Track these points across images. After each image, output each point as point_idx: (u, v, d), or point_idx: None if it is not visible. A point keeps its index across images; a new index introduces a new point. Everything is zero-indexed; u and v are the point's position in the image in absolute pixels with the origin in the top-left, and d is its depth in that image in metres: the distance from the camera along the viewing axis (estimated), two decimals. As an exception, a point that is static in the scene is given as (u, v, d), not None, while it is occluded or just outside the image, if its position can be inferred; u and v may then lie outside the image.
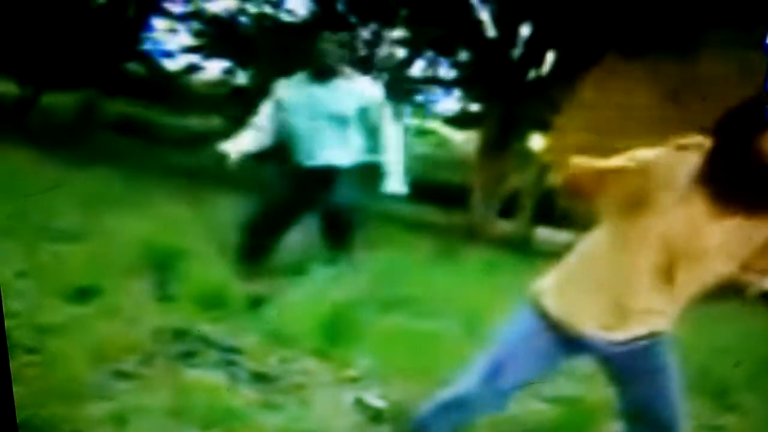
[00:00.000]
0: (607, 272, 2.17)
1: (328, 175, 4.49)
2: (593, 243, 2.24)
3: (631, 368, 2.24)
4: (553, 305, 2.24)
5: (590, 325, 2.19)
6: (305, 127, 4.50)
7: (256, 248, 4.53)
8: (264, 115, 4.62)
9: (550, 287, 2.28)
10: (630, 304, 2.15)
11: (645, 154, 2.02)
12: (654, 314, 2.17)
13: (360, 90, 4.55)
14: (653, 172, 2.01)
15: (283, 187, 4.60)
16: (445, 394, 2.30)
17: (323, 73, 4.51)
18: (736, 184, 1.98)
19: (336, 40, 4.50)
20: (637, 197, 2.04)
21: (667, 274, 2.10)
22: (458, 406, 2.27)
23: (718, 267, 2.09)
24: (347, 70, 4.57)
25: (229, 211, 5.90)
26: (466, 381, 2.30)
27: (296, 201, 4.53)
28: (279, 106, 4.59)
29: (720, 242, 2.04)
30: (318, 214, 4.58)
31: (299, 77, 4.59)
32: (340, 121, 4.48)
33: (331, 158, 4.51)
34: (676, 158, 2.01)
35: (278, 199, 4.58)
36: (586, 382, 3.31)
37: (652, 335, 2.20)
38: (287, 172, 4.59)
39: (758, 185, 1.96)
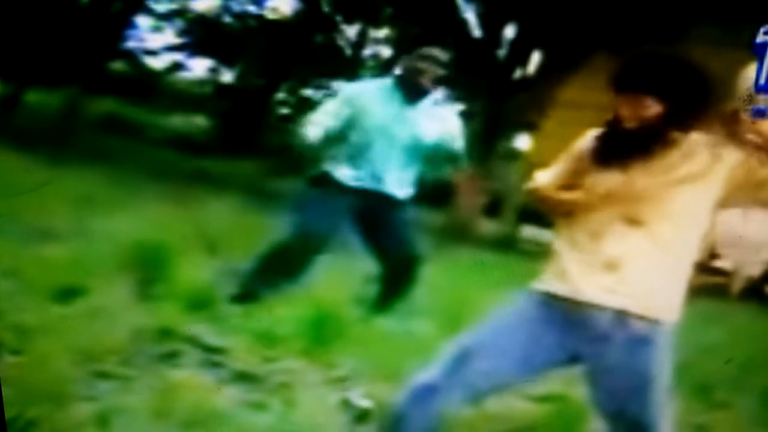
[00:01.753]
0: (584, 234, 2.24)
1: (385, 203, 4.13)
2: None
3: (619, 363, 2.21)
4: (555, 283, 2.26)
5: (589, 287, 2.20)
6: (378, 147, 4.04)
7: (275, 277, 4.10)
8: (329, 113, 4.08)
9: (551, 272, 2.29)
10: (612, 251, 2.19)
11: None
12: (642, 265, 2.18)
13: (444, 117, 4.24)
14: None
15: (327, 211, 4.08)
16: (416, 381, 2.29)
17: (416, 93, 4.10)
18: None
19: (433, 59, 4.09)
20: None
21: (630, 218, 2.19)
22: (427, 395, 2.24)
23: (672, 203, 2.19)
24: (436, 92, 4.24)
25: (215, 211, 5.89)
26: (433, 369, 2.28)
27: (334, 224, 4.10)
28: (352, 112, 4.06)
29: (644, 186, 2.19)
30: (379, 258, 4.23)
31: (384, 89, 4.13)
32: (416, 146, 4.12)
33: (391, 187, 4.12)
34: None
35: (316, 224, 4.08)
36: (570, 381, 3.32)
37: (647, 320, 2.19)
38: (330, 192, 4.10)
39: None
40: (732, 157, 2.16)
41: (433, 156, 4.21)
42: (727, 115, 2.18)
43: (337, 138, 4.06)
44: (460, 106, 15.40)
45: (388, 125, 4.05)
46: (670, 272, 2.21)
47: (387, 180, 4.10)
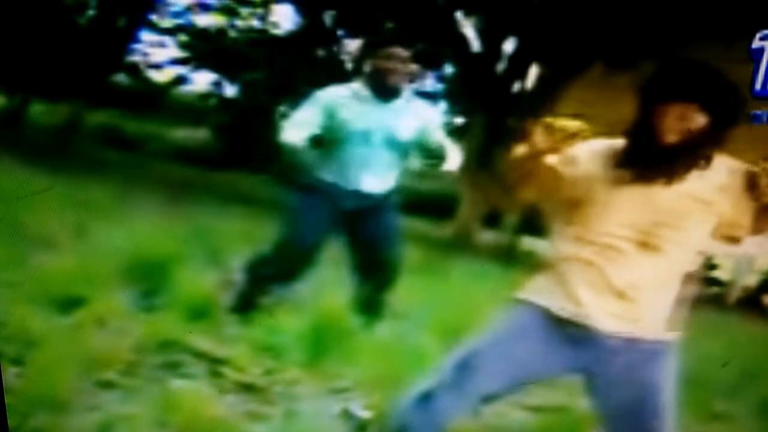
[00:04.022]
0: (596, 257, 2.17)
1: (364, 202, 4.12)
2: (565, 241, 2.26)
3: (625, 378, 2.19)
4: (564, 305, 2.20)
5: (599, 312, 2.15)
6: (355, 148, 4.05)
7: (267, 283, 4.18)
8: (309, 114, 4.08)
9: (550, 286, 2.24)
10: (625, 278, 2.13)
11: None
12: (654, 291, 2.15)
13: (420, 112, 4.21)
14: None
15: (312, 212, 4.12)
16: (417, 390, 2.28)
17: (387, 93, 4.08)
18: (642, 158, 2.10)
19: (401, 58, 4.07)
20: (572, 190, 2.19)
21: (645, 242, 2.12)
22: (427, 404, 2.23)
23: (690, 229, 2.13)
24: (408, 90, 4.21)
25: (217, 222, 5.90)
26: (434, 378, 2.27)
27: (322, 229, 4.13)
28: (328, 116, 4.06)
29: (668, 207, 2.11)
30: (352, 250, 4.26)
31: (357, 92, 4.11)
32: (394, 145, 4.11)
33: (369, 185, 4.11)
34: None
35: (304, 227, 4.13)
36: (569, 392, 3.33)
37: (655, 341, 2.18)
38: (314, 193, 4.13)
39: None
40: (737, 191, 2.11)
41: (412, 150, 4.22)
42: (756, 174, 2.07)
43: (317, 143, 4.09)
44: (459, 120, 15.47)
45: (364, 126, 4.05)
46: (673, 294, 2.19)
47: (365, 180, 4.11)
